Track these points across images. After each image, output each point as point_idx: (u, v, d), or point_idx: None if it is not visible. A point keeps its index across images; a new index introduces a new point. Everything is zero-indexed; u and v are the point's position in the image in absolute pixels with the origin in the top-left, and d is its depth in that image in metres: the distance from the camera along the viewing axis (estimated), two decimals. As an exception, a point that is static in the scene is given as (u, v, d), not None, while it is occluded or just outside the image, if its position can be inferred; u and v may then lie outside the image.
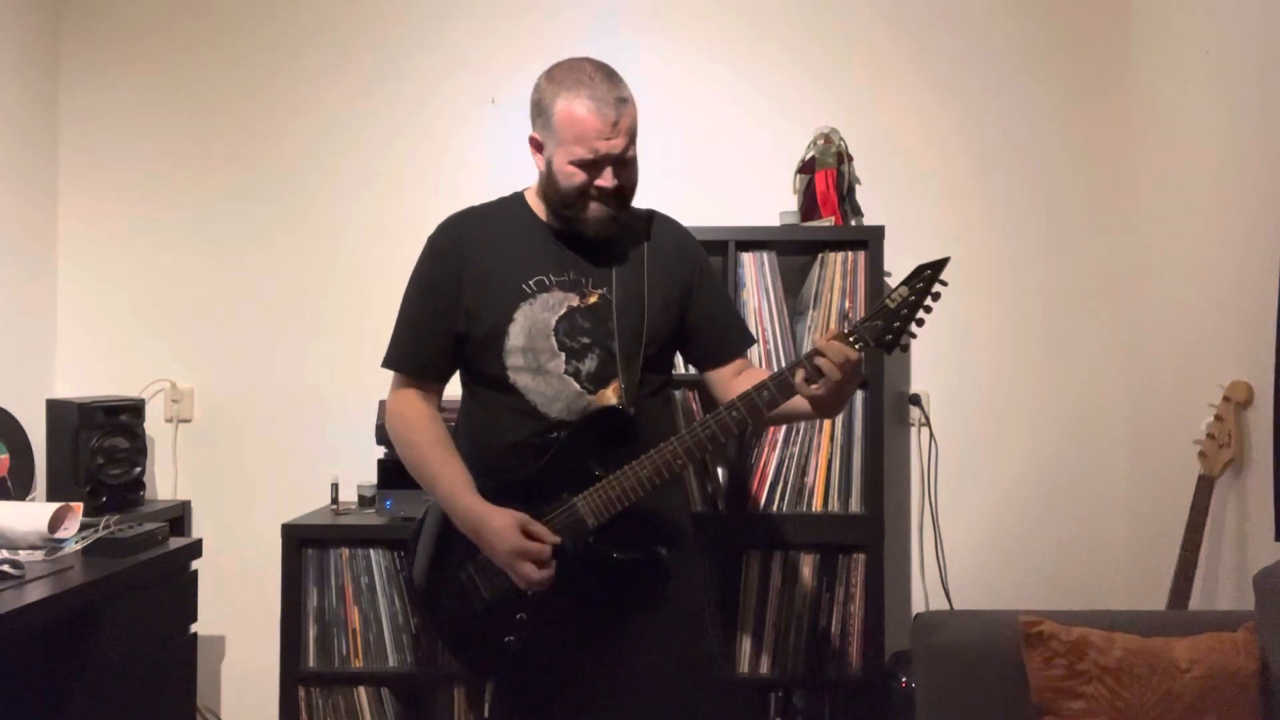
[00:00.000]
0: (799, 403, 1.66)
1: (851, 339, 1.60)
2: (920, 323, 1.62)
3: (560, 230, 1.81)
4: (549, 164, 1.75)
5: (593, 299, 1.77)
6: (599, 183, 1.71)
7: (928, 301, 1.61)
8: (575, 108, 1.68)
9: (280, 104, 3.04)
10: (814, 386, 1.61)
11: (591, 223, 1.75)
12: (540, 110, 1.74)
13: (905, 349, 1.63)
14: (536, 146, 1.78)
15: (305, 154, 3.03)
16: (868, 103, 2.95)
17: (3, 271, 2.83)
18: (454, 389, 1.90)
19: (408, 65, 3.02)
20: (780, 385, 1.64)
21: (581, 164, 1.70)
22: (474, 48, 3.01)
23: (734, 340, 1.92)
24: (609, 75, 1.72)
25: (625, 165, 1.74)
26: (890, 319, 1.61)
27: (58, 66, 3.05)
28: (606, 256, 1.80)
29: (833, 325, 2.60)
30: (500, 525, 1.66)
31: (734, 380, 1.86)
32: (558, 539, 1.67)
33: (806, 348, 2.56)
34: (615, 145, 1.70)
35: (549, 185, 1.77)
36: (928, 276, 1.61)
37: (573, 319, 1.76)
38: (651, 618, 1.77)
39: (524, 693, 1.84)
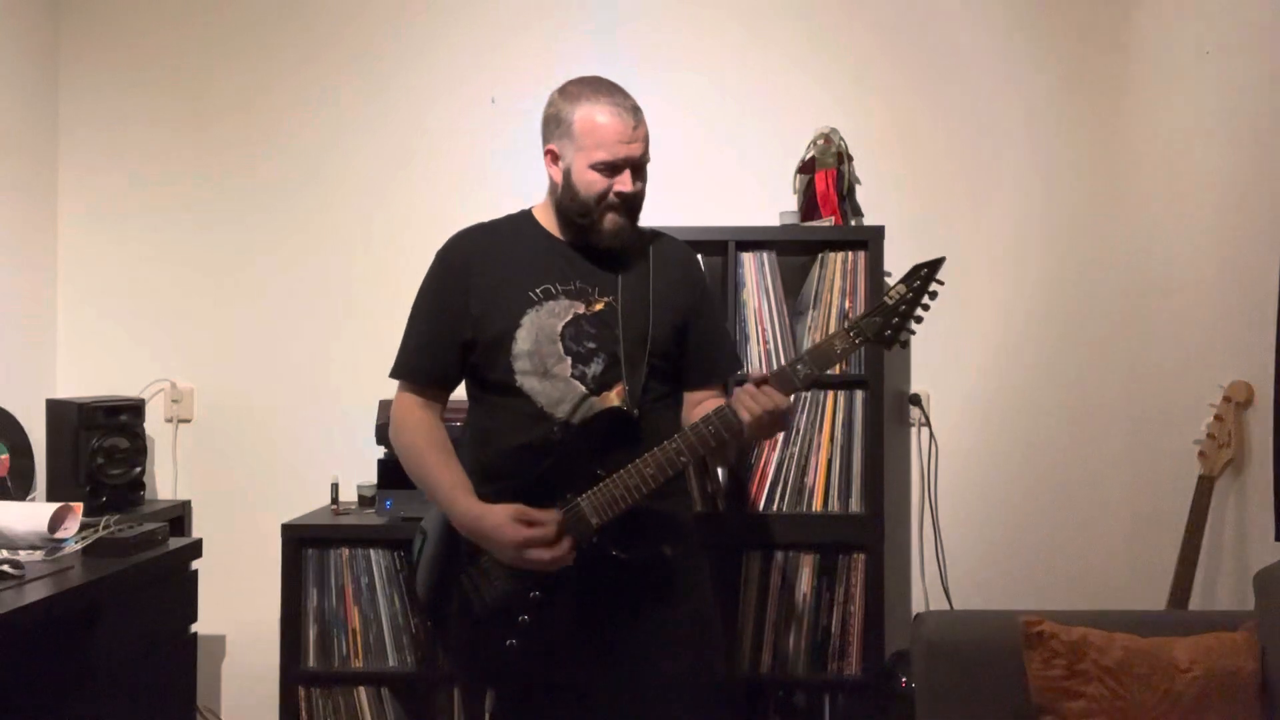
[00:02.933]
0: None
1: (852, 334, 1.66)
2: (919, 320, 1.68)
3: (568, 243, 1.85)
4: (567, 173, 1.79)
5: (599, 306, 1.80)
6: (619, 187, 1.76)
7: (925, 300, 1.67)
8: (596, 114, 1.75)
9: (279, 106, 3.03)
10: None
11: (606, 234, 1.79)
12: (558, 122, 1.79)
13: (904, 345, 1.70)
14: (553, 158, 1.82)
15: (305, 155, 3.03)
16: (868, 103, 2.95)
17: (3, 271, 2.83)
18: (458, 395, 1.91)
19: (407, 65, 3.02)
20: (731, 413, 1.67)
21: (602, 168, 1.75)
22: (473, 48, 3.00)
23: (719, 367, 1.95)
24: (621, 89, 1.80)
25: (640, 172, 1.79)
26: (888, 315, 1.67)
27: (58, 67, 3.05)
28: (613, 267, 1.84)
29: (833, 326, 2.60)
30: (497, 522, 1.68)
31: (696, 408, 1.85)
32: (556, 514, 1.68)
33: (807, 347, 2.55)
34: (635, 150, 1.76)
35: (566, 195, 1.80)
36: (924, 275, 1.67)
37: (579, 325, 1.78)
38: (658, 620, 1.77)
39: (527, 697, 1.84)
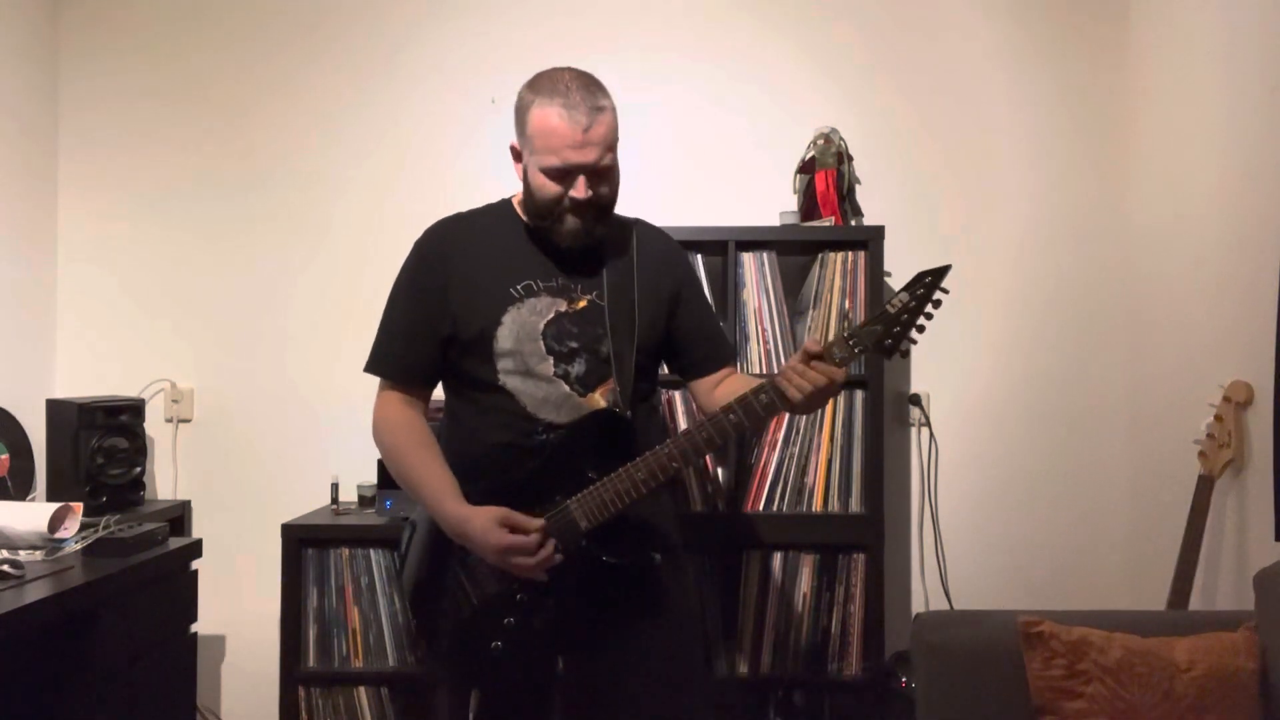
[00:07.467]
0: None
1: (851, 342, 1.61)
2: (921, 329, 1.62)
3: (548, 236, 1.80)
4: (525, 172, 1.75)
5: (581, 304, 1.77)
6: (572, 193, 1.70)
7: (928, 309, 1.60)
8: (548, 116, 1.67)
9: (284, 104, 3.03)
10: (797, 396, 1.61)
11: (565, 235, 1.74)
12: (518, 118, 1.74)
13: (905, 355, 1.64)
14: (516, 156, 1.78)
15: (307, 154, 3.03)
16: (868, 103, 2.95)
17: (3, 271, 2.83)
18: (437, 391, 1.90)
19: (411, 64, 3.02)
20: (778, 392, 1.63)
21: (553, 173, 1.69)
22: (474, 46, 3.00)
23: (719, 351, 1.92)
24: (587, 84, 1.70)
25: (600, 176, 1.71)
26: (890, 324, 1.61)
27: (58, 72, 3.04)
28: (595, 262, 1.80)
29: (833, 326, 2.60)
30: (482, 526, 1.65)
31: (716, 390, 1.85)
32: (540, 522, 1.66)
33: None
34: (587, 155, 1.68)
35: (526, 194, 1.77)
36: (928, 284, 1.60)
37: (561, 323, 1.75)
38: (643, 625, 1.76)
39: (511, 700, 1.83)
